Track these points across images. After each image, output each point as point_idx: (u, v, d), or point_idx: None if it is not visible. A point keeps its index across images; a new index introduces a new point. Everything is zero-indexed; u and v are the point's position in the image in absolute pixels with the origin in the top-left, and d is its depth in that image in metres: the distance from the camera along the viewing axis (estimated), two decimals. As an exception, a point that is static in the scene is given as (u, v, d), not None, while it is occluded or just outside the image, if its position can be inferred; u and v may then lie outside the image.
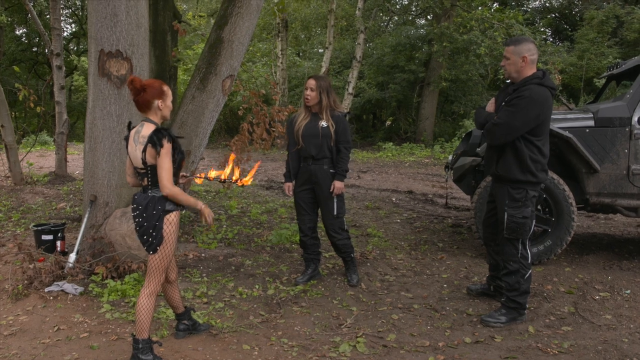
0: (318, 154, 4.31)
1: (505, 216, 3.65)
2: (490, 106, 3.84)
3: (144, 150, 2.86)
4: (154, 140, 2.82)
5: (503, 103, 3.67)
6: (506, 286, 3.74)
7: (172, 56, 6.06)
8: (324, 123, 4.29)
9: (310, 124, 4.32)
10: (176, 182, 3.01)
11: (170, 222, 2.94)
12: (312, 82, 4.32)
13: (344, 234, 4.45)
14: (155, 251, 2.93)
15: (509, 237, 3.68)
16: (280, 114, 5.97)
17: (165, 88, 2.98)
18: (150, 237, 2.91)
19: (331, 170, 4.35)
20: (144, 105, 2.94)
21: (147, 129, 2.89)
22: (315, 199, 4.44)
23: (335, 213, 4.37)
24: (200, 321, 3.56)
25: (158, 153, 2.82)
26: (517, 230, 3.63)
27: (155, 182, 2.92)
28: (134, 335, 2.97)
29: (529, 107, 3.47)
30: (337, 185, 4.31)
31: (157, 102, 2.93)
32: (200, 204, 3.01)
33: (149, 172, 2.92)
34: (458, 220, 6.92)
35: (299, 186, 4.45)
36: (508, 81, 3.81)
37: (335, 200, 4.36)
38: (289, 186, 4.50)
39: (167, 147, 2.83)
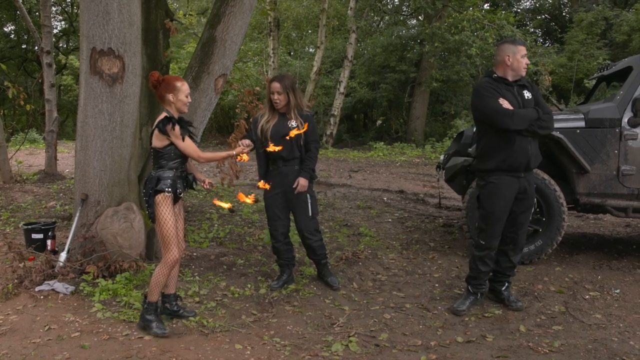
0: (289, 155, 4.18)
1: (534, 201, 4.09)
2: (507, 105, 3.78)
3: (152, 133, 3.31)
4: (160, 127, 3.24)
5: (529, 97, 3.80)
6: (514, 266, 4.05)
7: (165, 56, 5.99)
8: (293, 123, 4.16)
9: (278, 125, 4.18)
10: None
11: (158, 203, 3.31)
12: (276, 86, 4.13)
13: (318, 235, 4.35)
14: (154, 222, 3.37)
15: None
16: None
17: (179, 84, 3.33)
18: (148, 210, 3.37)
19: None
20: (160, 98, 3.38)
21: (160, 117, 3.32)
22: (287, 203, 4.30)
23: (310, 214, 4.28)
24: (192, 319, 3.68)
25: (168, 136, 3.24)
26: None
27: (155, 163, 3.37)
28: (145, 297, 3.43)
29: None
30: (302, 182, 4.16)
31: (169, 96, 3.32)
32: (232, 152, 3.55)
33: (152, 154, 3.37)
34: (449, 220, 6.95)
35: (269, 190, 4.24)
36: (494, 77, 3.80)
37: (309, 200, 4.26)
38: (263, 182, 4.13)
39: (175, 131, 3.24)
